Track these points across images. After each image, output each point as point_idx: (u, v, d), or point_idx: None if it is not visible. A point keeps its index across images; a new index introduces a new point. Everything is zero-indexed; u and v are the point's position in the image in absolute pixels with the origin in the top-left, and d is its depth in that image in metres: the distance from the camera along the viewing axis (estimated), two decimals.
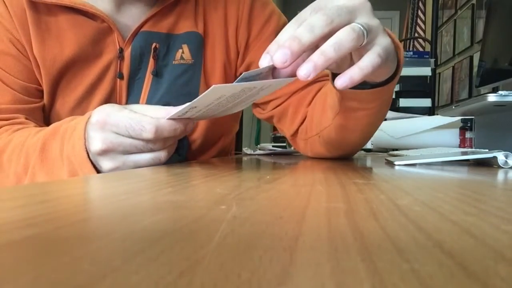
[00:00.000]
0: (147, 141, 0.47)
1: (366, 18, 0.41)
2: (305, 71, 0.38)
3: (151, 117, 0.46)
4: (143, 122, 0.46)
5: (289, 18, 0.79)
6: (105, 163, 0.48)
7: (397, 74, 0.52)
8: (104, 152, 0.48)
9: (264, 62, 0.40)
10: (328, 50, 0.38)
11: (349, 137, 0.63)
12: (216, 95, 0.42)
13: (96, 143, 0.47)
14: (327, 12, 0.39)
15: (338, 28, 0.39)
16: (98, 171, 0.50)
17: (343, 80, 0.40)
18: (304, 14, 0.42)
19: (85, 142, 0.49)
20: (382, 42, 0.43)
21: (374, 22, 0.42)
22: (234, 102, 0.46)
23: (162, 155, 0.49)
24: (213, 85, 0.39)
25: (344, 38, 0.39)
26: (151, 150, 0.48)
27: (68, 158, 0.51)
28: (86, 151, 0.49)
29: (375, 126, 0.64)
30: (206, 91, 0.39)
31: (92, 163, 0.49)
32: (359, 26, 0.40)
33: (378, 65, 0.41)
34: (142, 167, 0.48)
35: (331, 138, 0.65)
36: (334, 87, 0.44)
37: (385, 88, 0.52)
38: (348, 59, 0.46)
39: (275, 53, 0.38)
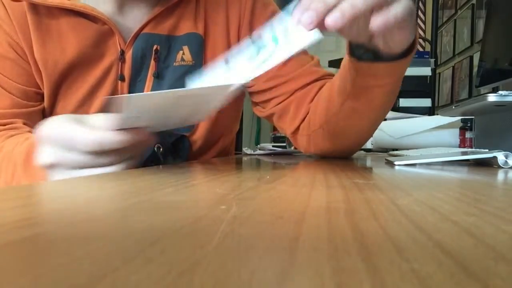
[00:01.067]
0: (95, 155, 0.43)
1: None
2: (333, 18, 0.39)
3: (90, 130, 0.42)
4: (78, 135, 0.42)
5: None
6: (54, 178, 0.45)
7: (413, 48, 0.53)
8: (51, 167, 0.44)
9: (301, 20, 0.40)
10: (356, 1, 0.39)
11: (358, 123, 0.63)
12: (144, 105, 0.41)
13: (42, 157, 0.44)
14: None
15: None
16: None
17: (334, 16, 0.40)
18: None
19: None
20: (401, 3, 0.43)
21: None
22: (185, 111, 0.46)
23: (119, 168, 0.44)
24: (126, 95, 0.39)
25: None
26: (103, 165, 0.44)
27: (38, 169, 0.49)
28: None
29: (385, 110, 0.64)
30: (123, 101, 0.39)
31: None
32: None
33: (388, 22, 0.42)
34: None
35: (338, 127, 0.65)
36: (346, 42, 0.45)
37: (402, 62, 0.53)
38: (366, 27, 0.45)
39: (303, 15, 0.39)
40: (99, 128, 0.42)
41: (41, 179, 0.51)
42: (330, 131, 0.66)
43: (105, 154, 0.43)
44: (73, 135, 0.42)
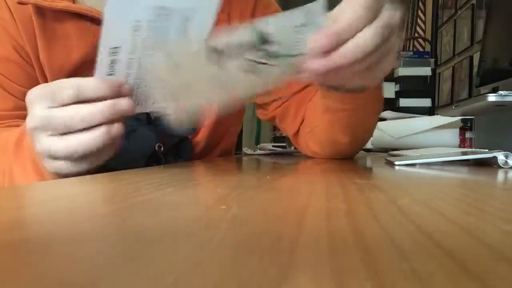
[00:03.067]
0: (74, 109, 0.40)
1: (394, 36, 0.42)
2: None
3: (70, 79, 0.42)
4: (61, 83, 0.42)
5: None
6: (38, 143, 0.42)
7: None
8: (35, 130, 0.41)
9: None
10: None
11: (338, 137, 0.64)
12: (125, 27, 0.38)
13: (28, 121, 0.42)
14: (384, 32, 0.39)
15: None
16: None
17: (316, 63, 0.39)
18: (370, 6, 0.40)
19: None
20: (388, 63, 0.43)
21: (395, 41, 0.42)
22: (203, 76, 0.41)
23: (113, 128, 0.41)
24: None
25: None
26: (97, 123, 0.40)
27: (29, 150, 0.48)
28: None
29: (363, 128, 0.64)
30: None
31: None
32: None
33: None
34: (93, 150, 0.40)
35: (322, 137, 0.66)
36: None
37: (360, 94, 0.52)
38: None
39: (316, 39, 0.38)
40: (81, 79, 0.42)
41: (30, 162, 0.50)
42: (316, 138, 0.68)
43: (85, 109, 0.41)
44: (56, 83, 0.42)
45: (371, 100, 0.57)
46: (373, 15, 0.39)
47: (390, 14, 0.40)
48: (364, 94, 0.53)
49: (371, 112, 0.61)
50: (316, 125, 0.65)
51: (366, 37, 0.38)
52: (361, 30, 0.38)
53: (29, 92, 0.43)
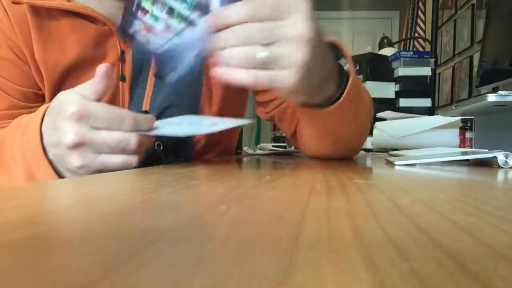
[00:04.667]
0: (122, 139, 0.45)
1: (289, 49, 0.43)
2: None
3: (127, 110, 0.46)
4: (122, 114, 0.45)
5: None
6: (74, 159, 0.45)
7: (335, 102, 0.54)
8: (76, 146, 0.44)
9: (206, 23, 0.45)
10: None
11: (323, 147, 0.66)
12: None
13: (69, 136, 0.44)
14: (254, 34, 0.42)
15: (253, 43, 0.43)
16: (56, 172, 0.47)
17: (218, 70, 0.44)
18: (263, 6, 0.43)
19: (41, 139, 0.47)
20: (283, 77, 0.44)
21: (295, 55, 0.43)
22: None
23: (133, 159, 0.47)
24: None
25: (232, 54, 0.43)
26: (123, 152, 0.46)
27: (24, 158, 0.48)
28: (43, 148, 0.47)
29: (348, 137, 0.66)
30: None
31: (50, 162, 0.47)
32: (261, 54, 0.43)
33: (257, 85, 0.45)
34: (108, 171, 0.45)
35: (310, 145, 0.68)
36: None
37: (318, 112, 0.55)
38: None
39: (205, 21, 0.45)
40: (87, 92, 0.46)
41: (13, 169, 0.50)
42: (308, 140, 0.69)
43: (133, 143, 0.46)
44: (117, 113, 0.45)
45: (344, 116, 0.59)
46: (259, 16, 0.43)
47: (281, 24, 0.43)
48: (336, 113, 0.55)
49: (351, 124, 0.62)
50: (304, 128, 0.68)
51: (235, 30, 0.43)
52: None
53: (79, 102, 0.45)
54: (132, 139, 0.46)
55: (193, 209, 0.20)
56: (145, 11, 0.47)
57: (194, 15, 0.46)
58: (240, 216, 0.18)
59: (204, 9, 0.45)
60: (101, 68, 0.47)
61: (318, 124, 0.59)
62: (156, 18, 0.47)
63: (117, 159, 0.46)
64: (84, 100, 0.45)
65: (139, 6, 0.47)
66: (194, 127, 0.53)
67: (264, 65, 0.43)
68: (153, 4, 0.46)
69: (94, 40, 0.64)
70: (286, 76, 0.44)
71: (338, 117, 0.57)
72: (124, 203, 0.21)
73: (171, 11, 0.46)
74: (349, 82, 0.53)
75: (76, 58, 0.64)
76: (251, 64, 0.42)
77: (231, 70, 0.44)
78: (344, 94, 0.53)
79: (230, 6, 0.43)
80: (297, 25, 0.43)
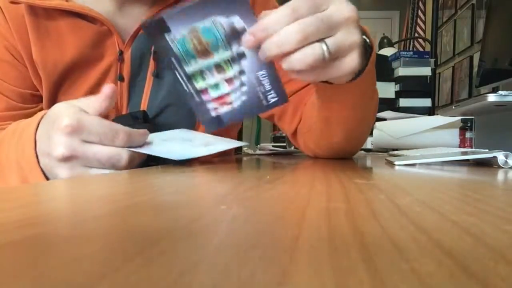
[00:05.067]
0: (113, 155, 0.45)
1: (345, 35, 0.42)
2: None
3: (121, 126, 0.46)
4: (116, 129, 0.45)
5: None
6: (62, 172, 0.45)
7: (360, 74, 0.52)
8: (66, 160, 0.44)
9: (246, 43, 0.42)
10: (283, 63, 0.42)
11: (334, 135, 0.64)
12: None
13: (59, 149, 0.44)
14: (306, 28, 0.40)
15: (308, 43, 0.41)
16: (47, 179, 0.47)
17: (262, 48, 0.42)
18: (300, 6, 0.41)
19: (35, 146, 0.47)
20: (345, 63, 0.43)
21: (350, 38, 0.42)
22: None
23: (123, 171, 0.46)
24: None
25: (301, 59, 0.41)
26: (113, 167, 0.46)
27: (18, 163, 0.48)
28: (36, 155, 0.47)
29: (360, 119, 0.64)
30: None
31: (41, 170, 0.47)
32: (323, 48, 0.41)
33: (316, 79, 0.44)
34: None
35: (318, 134, 0.66)
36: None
37: (353, 83, 0.52)
38: None
39: (246, 43, 0.42)
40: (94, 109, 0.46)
41: (9, 175, 0.50)
42: (314, 136, 0.68)
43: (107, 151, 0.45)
44: (111, 128, 0.45)
45: (363, 92, 0.58)
46: (299, 15, 0.41)
47: (323, 15, 0.41)
48: (355, 87, 0.53)
49: (364, 106, 0.61)
50: (314, 121, 0.66)
51: (287, 31, 0.40)
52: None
53: (74, 116, 0.44)
54: (123, 155, 0.45)
55: (193, 209, 0.20)
56: (205, 91, 0.46)
57: (235, 48, 0.44)
58: (240, 216, 0.18)
59: (236, 37, 0.43)
60: (107, 89, 0.47)
61: (340, 100, 0.57)
62: (217, 86, 0.46)
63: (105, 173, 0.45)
64: (80, 114, 0.45)
65: (198, 92, 0.46)
66: (188, 149, 0.52)
67: (330, 57, 0.41)
68: (203, 77, 0.45)
69: (92, 40, 0.64)
70: (351, 61, 0.43)
71: (359, 91, 0.56)
72: (124, 203, 0.21)
73: (218, 66, 0.45)
74: (373, 55, 0.52)
75: (75, 58, 0.64)
76: (318, 62, 0.41)
77: (301, 74, 0.43)
78: (369, 65, 0.52)
79: (268, 16, 0.41)
80: (341, 9, 0.42)
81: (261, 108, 0.46)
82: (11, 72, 0.65)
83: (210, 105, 0.47)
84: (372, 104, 0.63)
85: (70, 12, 0.63)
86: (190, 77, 0.45)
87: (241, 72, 0.45)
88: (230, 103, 0.46)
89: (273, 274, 0.10)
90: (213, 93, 0.46)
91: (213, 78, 0.45)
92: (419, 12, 3.31)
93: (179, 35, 0.43)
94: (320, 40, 0.41)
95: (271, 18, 0.41)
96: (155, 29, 0.43)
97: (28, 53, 0.64)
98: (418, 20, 3.30)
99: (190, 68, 0.45)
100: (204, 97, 0.46)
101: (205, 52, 0.44)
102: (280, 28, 0.40)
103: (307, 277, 0.10)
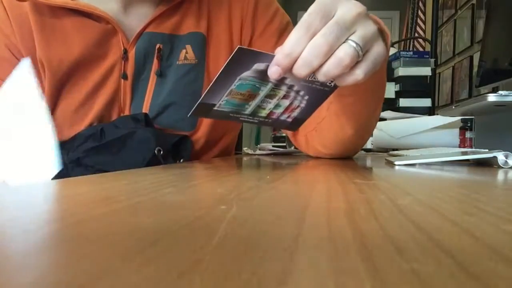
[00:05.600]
0: None
1: (363, 28, 0.42)
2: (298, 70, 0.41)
3: None
4: None
5: (291, 16, 0.79)
6: None
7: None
8: None
9: (273, 75, 0.42)
10: (319, 77, 0.41)
11: (345, 129, 0.63)
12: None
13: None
14: (328, 38, 0.40)
15: (336, 47, 0.41)
16: None
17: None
18: (312, 21, 0.41)
19: None
20: (375, 52, 0.43)
21: (369, 29, 0.42)
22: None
23: None
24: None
25: (337, 64, 0.40)
26: None
27: None
28: None
29: (368, 116, 0.64)
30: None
31: None
32: (353, 45, 0.41)
33: (363, 77, 0.43)
34: None
35: (327, 130, 0.66)
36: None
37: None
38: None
39: (273, 74, 0.41)
40: None
41: None
42: (321, 134, 0.67)
43: None
44: None
45: (376, 84, 0.58)
46: (314, 29, 0.40)
47: (336, 19, 0.41)
48: (375, 75, 0.53)
49: (376, 97, 0.61)
50: (323, 117, 0.65)
51: (310, 49, 0.40)
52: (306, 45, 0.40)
53: None
54: None
55: (193, 209, 0.20)
56: (271, 113, 0.51)
57: (270, 83, 0.45)
58: (240, 216, 0.18)
59: (264, 73, 0.43)
60: None
61: (356, 90, 0.57)
62: (278, 105, 0.50)
63: None
64: None
65: (266, 118, 0.51)
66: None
67: (363, 51, 0.42)
68: (263, 108, 0.49)
69: (97, 39, 0.65)
70: (379, 48, 0.44)
71: (375, 80, 0.56)
72: (124, 203, 0.21)
73: (269, 95, 0.47)
74: (388, 40, 0.52)
75: (80, 56, 0.64)
76: (355, 60, 0.41)
77: (343, 79, 0.43)
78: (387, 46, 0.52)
79: (286, 42, 0.41)
80: (350, 7, 0.42)
81: (326, 94, 0.50)
82: (10, 70, 0.65)
83: (283, 117, 0.52)
84: (382, 93, 0.63)
85: (76, 11, 0.63)
86: (253, 115, 0.49)
87: (291, 86, 0.47)
88: (298, 106, 0.51)
89: (273, 274, 0.10)
90: (279, 110, 0.51)
91: (271, 103, 0.49)
92: (419, 12, 3.31)
93: (223, 101, 0.45)
94: (345, 41, 0.41)
95: (290, 42, 0.41)
96: (201, 112, 0.46)
97: (31, 52, 0.64)
98: (418, 20, 3.30)
99: (247, 111, 0.48)
100: (274, 116, 0.52)
101: (251, 95, 0.46)
102: (302, 49, 0.40)
103: (307, 277, 0.10)
